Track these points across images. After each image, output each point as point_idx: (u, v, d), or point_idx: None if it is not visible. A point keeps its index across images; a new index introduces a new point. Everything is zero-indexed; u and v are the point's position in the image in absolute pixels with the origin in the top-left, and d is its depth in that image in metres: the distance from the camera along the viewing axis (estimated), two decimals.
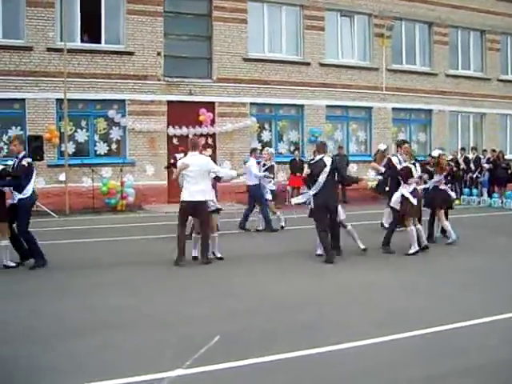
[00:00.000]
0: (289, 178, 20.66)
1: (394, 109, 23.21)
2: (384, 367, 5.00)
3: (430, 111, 24.15)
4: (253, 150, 14.51)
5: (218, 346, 5.45)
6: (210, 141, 20.23)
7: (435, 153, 12.49)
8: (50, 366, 5.01)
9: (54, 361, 5.12)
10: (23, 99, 18.14)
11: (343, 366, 5.02)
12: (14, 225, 9.29)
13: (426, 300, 7.20)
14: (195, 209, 9.60)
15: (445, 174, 11.98)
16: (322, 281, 8.41)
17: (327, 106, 22.00)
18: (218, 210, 10.36)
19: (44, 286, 7.27)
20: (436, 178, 11.96)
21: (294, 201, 11.21)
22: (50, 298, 7.05)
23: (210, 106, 20.06)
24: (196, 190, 9.51)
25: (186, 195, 9.63)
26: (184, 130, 19.54)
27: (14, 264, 9.10)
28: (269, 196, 13.72)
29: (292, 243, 11.66)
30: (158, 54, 19.46)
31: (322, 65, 21.82)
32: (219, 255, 10.18)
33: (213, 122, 20.07)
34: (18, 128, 18.18)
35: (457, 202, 17.70)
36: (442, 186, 11.94)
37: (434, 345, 5.57)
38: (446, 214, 11.92)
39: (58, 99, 18.15)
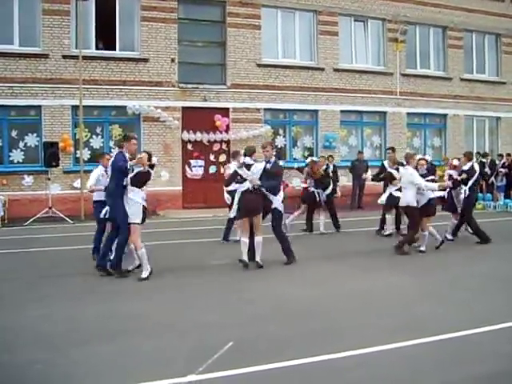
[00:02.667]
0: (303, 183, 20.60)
1: (408, 113, 23.14)
2: (397, 374, 4.97)
3: (444, 116, 24.03)
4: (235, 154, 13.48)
5: (231, 352, 5.45)
6: (224, 147, 20.31)
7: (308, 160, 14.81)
8: (64, 372, 5.04)
9: (68, 367, 5.15)
10: (39, 106, 18.33)
11: (356, 373, 5.00)
12: None
13: (441, 306, 7.15)
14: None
15: (316, 178, 13.95)
16: (334, 286, 8.38)
17: (341, 111, 21.97)
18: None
19: (58, 292, 7.31)
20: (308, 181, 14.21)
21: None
22: (65, 304, 7.08)
23: (225, 112, 20.12)
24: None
25: None
26: (198, 136, 19.61)
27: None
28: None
29: (306, 249, 11.62)
30: (173, 60, 19.56)
31: (336, 70, 21.81)
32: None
33: (227, 128, 20.12)
34: (34, 135, 18.36)
35: (479, 206, 17.83)
36: (311, 189, 14.03)
37: (449, 351, 5.52)
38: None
39: (73, 106, 18.31)
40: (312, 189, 14.07)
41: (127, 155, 9.15)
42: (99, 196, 10.37)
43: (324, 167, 14.70)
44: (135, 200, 8.90)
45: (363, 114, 22.67)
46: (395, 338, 5.76)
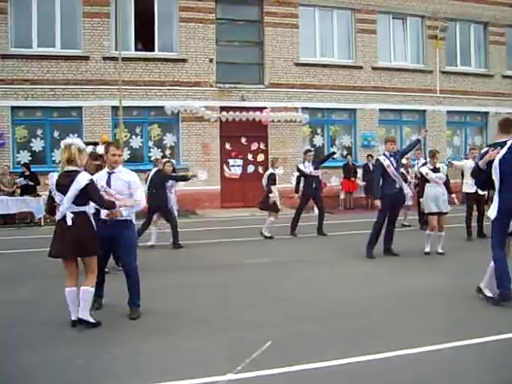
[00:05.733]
0: (341, 182, 20.54)
1: (448, 112, 22.80)
2: (438, 376, 4.89)
3: (485, 114, 23.58)
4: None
5: (270, 351, 5.44)
6: (262, 146, 20.35)
7: None
8: (105, 368, 5.10)
9: (109, 363, 5.22)
10: (80, 107, 18.66)
11: (397, 374, 4.93)
12: None
13: (483, 307, 7.02)
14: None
15: None
16: (374, 286, 8.31)
17: (380, 110, 21.79)
18: None
19: (110, 289, 7.39)
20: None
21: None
22: (106, 300, 7.16)
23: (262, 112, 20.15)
24: None
25: None
26: (236, 135, 19.71)
27: None
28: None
29: (343, 248, 11.57)
30: (211, 60, 19.67)
31: (374, 68, 21.64)
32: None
33: (265, 127, 20.16)
34: (75, 135, 18.60)
35: None
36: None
37: (491, 354, 5.41)
38: None
39: (113, 106, 18.56)
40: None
41: None
42: None
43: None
44: None
45: (402, 113, 22.42)
46: (436, 339, 5.66)
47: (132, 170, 7.07)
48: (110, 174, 6.74)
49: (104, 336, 6.03)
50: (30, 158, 18.12)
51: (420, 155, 14.48)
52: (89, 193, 6.09)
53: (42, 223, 16.21)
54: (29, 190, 16.90)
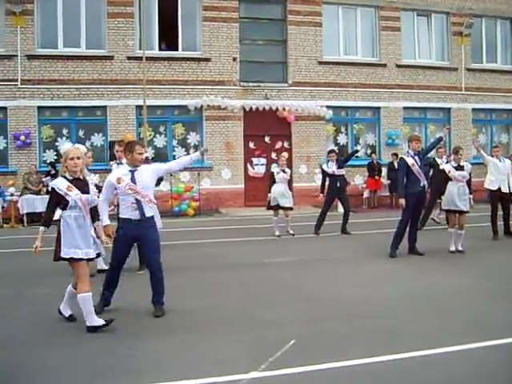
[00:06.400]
0: (366, 181, 20.45)
1: (474, 109, 22.54)
2: (464, 376, 4.85)
3: None
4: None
5: (294, 349, 5.45)
6: (286, 145, 20.34)
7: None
8: (127, 364, 5.15)
9: (131, 359, 5.27)
10: (105, 106, 18.84)
11: (423, 374, 4.90)
12: None
13: (509, 307, 6.95)
14: None
15: None
16: (397, 285, 8.27)
17: (404, 108, 21.63)
18: None
19: (134, 286, 7.46)
20: None
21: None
22: (128, 297, 7.22)
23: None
24: None
25: None
26: (260, 134, 19.73)
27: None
28: None
29: (367, 247, 11.53)
30: (234, 59, 19.70)
31: (398, 66, 21.49)
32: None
33: (289, 126, 20.15)
34: (100, 134, 18.87)
35: None
36: None
37: None
38: None
39: (137, 106, 18.70)
40: None
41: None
42: None
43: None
44: None
45: (427, 111, 22.24)
46: (462, 339, 5.62)
47: None
48: (132, 171, 6.76)
49: (127, 333, 6.08)
50: (56, 157, 18.31)
51: (443, 153, 14.33)
52: None
53: None
54: None
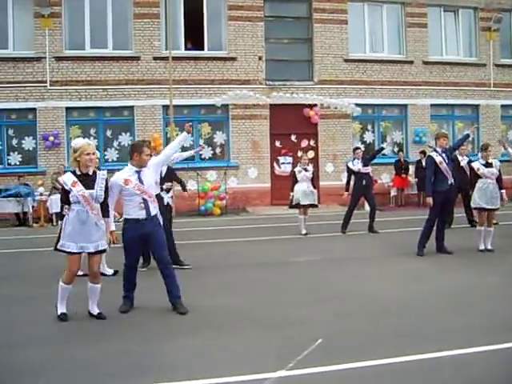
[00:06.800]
0: (393, 179, 20.30)
1: (503, 106, 22.20)
2: (493, 377, 4.79)
3: None
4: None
5: (321, 348, 5.44)
6: (312, 143, 20.30)
7: None
8: (158, 362, 5.19)
9: (162, 357, 5.31)
10: (132, 106, 19.00)
11: (451, 374, 4.85)
12: None
13: None
14: None
15: None
16: (424, 284, 8.20)
17: (432, 105, 21.41)
18: None
19: (155, 285, 7.51)
20: None
21: None
22: (157, 295, 7.27)
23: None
24: None
25: None
26: (286, 132, 19.71)
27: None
28: None
29: (394, 246, 11.46)
30: (260, 58, 19.71)
31: (425, 63, 21.28)
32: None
33: (315, 124, 20.11)
34: (128, 134, 19.03)
35: None
36: None
37: None
38: None
39: (164, 105, 18.84)
40: None
41: None
42: None
43: None
44: None
45: (455, 108, 21.99)
46: (492, 338, 5.54)
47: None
48: (138, 172, 6.90)
49: (155, 331, 6.14)
50: None
51: (465, 151, 14.15)
52: None
53: None
54: None
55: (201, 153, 18.73)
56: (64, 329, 6.31)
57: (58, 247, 6.48)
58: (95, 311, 6.67)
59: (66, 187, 6.37)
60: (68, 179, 6.42)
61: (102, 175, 6.60)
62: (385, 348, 5.41)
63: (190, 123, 7.94)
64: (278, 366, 4.97)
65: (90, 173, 6.48)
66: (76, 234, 6.35)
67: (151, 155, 7.25)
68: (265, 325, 6.30)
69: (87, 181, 6.41)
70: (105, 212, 6.57)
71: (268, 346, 5.58)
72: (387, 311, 6.74)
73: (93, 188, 6.39)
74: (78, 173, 6.45)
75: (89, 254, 6.52)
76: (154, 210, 6.88)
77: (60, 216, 6.52)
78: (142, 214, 6.76)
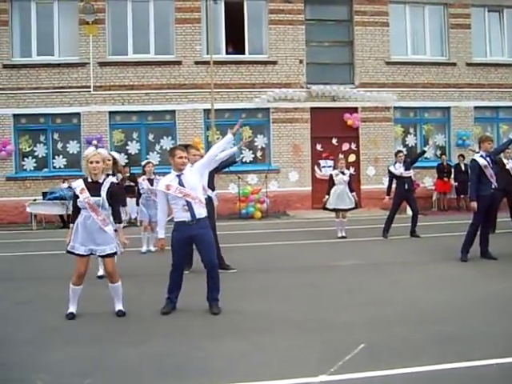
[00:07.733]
0: (435, 183, 20.03)
1: None
2: None
3: None
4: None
5: (363, 353, 5.41)
6: (353, 146, 20.19)
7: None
8: (200, 364, 5.22)
9: (204, 360, 5.34)
10: (173, 111, 19.21)
11: (493, 383, 4.79)
12: None
13: None
14: None
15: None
16: (466, 290, 8.07)
17: (475, 108, 21.05)
18: None
19: (197, 287, 7.57)
20: None
21: None
22: (198, 298, 7.31)
23: (353, 112, 19.97)
24: None
25: None
26: (327, 136, 19.65)
27: None
28: None
29: (437, 251, 11.30)
30: (301, 61, 19.71)
31: (469, 64, 20.94)
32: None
33: (356, 128, 19.99)
34: (169, 138, 19.24)
35: None
36: None
37: None
38: None
39: (205, 109, 19.00)
40: None
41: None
42: None
43: None
44: None
45: (499, 110, 21.56)
46: None
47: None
48: (179, 175, 7.01)
49: (196, 334, 6.19)
50: (127, 161, 18.75)
51: (510, 154, 13.85)
52: None
53: (138, 223, 16.70)
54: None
55: (242, 155, 18.78)
56: (108, 330, 6.41)
57: (68, 249, 6.78)
58: (116, 309, 6.97)
59: (77, 193, 6.73)
60: (77, 186, 6.78)
61: (106, 181, 6.84)
62: (428, 354, 5.34)
63: (241, 121, 8.05)
64: (319, 371, 4.95)
65: (100, 180, 6.80)
66: (84, 238, 6.70)
67: (188, 158, 7.31)
68: (307, 329, 6.29)
69: (95, 188, 6.73)
70: (116, 217, 6.91)
71: (310, 350, 5.57)
72: (430, 317, 6.65)
73: (99, 195, 6.69)
74: (89, 180, 6.82)
75: (99, 256, 6.91)
76: (201, 212, 6.97)
77: (73, 220, 6.85)
78: (186, 217, 6.89)
